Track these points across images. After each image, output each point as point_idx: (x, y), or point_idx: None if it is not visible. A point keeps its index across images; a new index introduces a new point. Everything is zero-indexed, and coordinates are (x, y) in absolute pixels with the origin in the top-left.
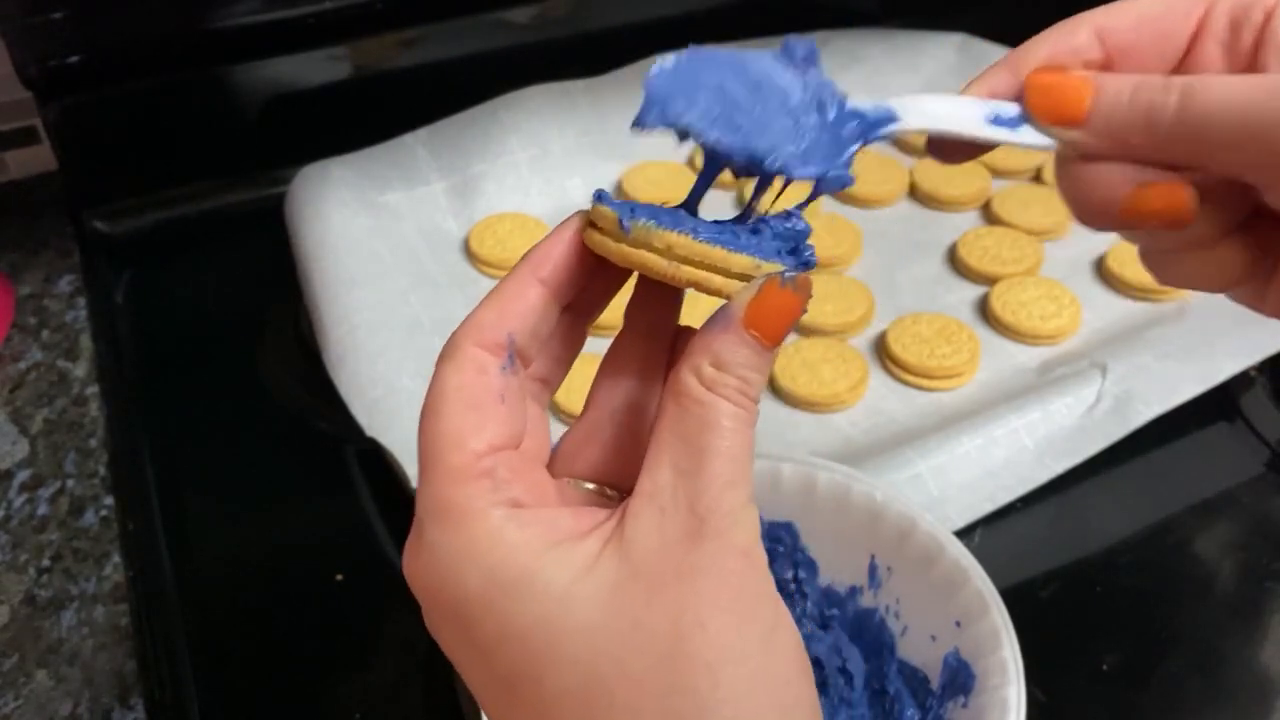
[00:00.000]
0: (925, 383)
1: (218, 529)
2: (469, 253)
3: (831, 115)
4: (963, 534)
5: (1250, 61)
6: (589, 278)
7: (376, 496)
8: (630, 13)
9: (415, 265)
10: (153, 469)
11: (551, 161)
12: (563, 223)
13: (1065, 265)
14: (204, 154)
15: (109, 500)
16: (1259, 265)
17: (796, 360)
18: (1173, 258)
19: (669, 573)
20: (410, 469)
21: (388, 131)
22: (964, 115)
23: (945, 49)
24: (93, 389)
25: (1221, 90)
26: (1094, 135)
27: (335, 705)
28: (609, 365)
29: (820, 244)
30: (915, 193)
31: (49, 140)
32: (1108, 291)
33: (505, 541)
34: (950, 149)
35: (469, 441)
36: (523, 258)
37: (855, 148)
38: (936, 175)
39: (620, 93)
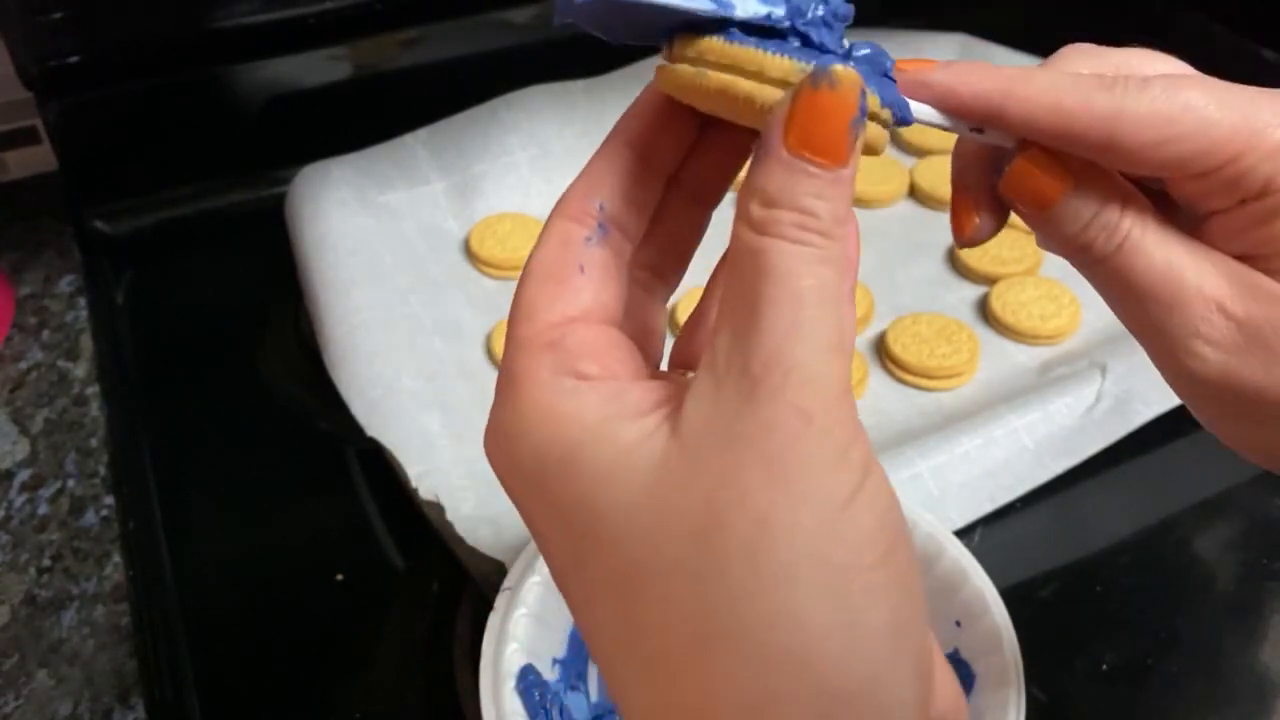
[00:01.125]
0: (925, 383)
1: (218, 529)
2: (469, 253)
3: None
4: (963, 534)
5: None
6: (689, 147)
7: (376, 496)
8: None
9: (415, 265)
10: (153, 469)
11: (551, 161)
12: (650, 83)
13: (1065, 265)
14: (204, 154)
15: (109, 500)
16: None
17: None
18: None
19: (714, 443)
20: (410, 468)
21: (388, 131)
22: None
23: (945, 49)
24: (93, 389)
25: (1159, 262)
26: (1038, 226)
27: (335, 705)
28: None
29: None
30: (915, 193)
31: (49, 140)
32: None
33: (558, 413)
34: (976, 227)
35: (540, 313)
36: (616, 123)
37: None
38: (936, 175)
39: (620, 93)
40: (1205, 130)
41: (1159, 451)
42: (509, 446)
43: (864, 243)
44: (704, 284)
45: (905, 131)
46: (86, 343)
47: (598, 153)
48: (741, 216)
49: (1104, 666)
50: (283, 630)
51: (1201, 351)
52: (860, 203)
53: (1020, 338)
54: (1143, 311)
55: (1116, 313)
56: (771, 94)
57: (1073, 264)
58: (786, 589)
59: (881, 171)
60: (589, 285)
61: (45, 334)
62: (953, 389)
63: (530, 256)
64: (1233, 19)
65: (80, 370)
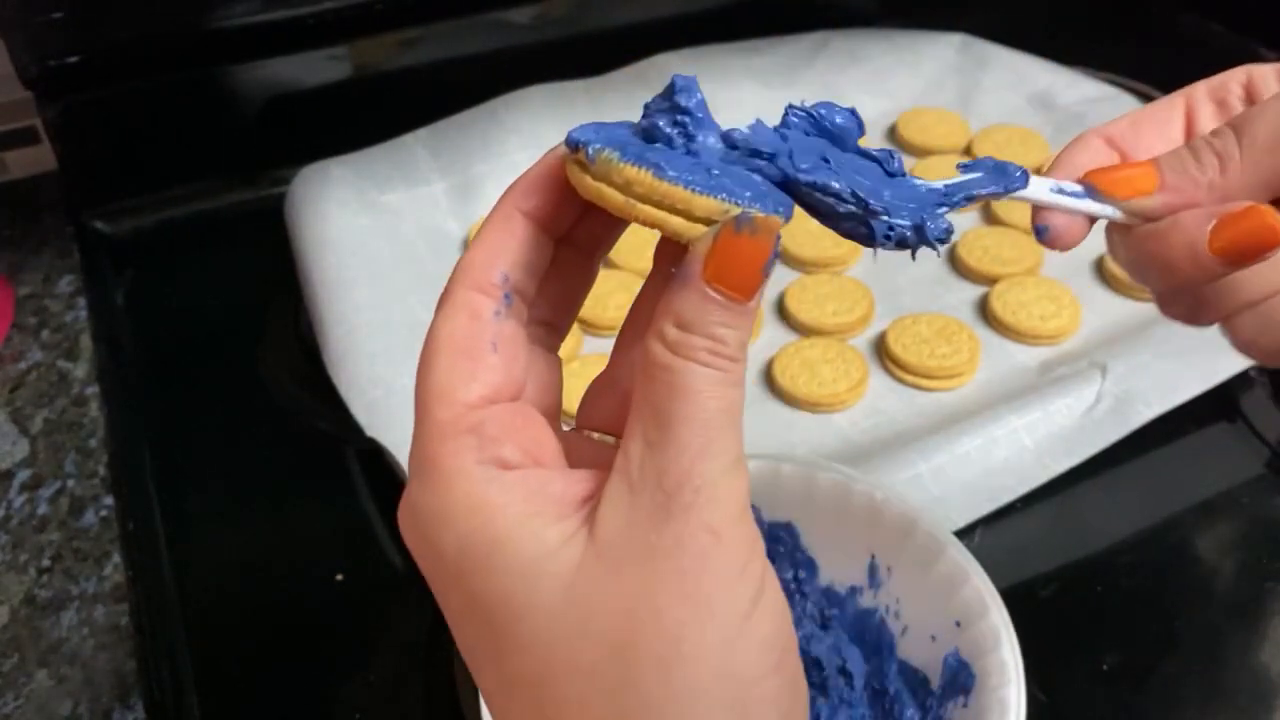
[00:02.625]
0: (925, 383)
1: (218, 529)
2: None
3: (910, 185)
4: (963, 534)
5: None
6: (582, 208)
7: (376, 496)
8: (630, 13)
9: (415, 265)
10: (153, 469)
11: None
12: (548, 151)
13: (1065, 265)
14: (204, 154)
15: (109, 500)
16: None
17: (796, 360)
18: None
19: (631, 555)
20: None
21: (388, 131)
22: (1032, 182)
23: (945, 49)
24: (93, 389)
25: (1268, 108)
26: (1167, 195)
27: (335, 705)
28: (634, 313)
29: (820, 244)
30: (1034, 223)
31: (49, 140)
32: (1108, 291)
33: (482, 505)
34: (1057, 232)
35: (457, 394)
36: (505, 190)
37: (944, 210)
38: (936, 175)
39: (620, 93)
40: None
41: (1159, 451)
42: (431, 533)
43: None
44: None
45: (905, 131)
46: (86, 343)
47: (493, 221)
48: (656, 334)
49: (1104, 666)
50: (283, 630)
51: None
52: None
53: (1020, 338)
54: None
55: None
56: (698, 230)
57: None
58: (692, 701)
59: None
60: (501, 363)
61: (45, 334)
62: (953, 389)
63: (435, 330)
64: (1232, 19)
65: (80, 370)
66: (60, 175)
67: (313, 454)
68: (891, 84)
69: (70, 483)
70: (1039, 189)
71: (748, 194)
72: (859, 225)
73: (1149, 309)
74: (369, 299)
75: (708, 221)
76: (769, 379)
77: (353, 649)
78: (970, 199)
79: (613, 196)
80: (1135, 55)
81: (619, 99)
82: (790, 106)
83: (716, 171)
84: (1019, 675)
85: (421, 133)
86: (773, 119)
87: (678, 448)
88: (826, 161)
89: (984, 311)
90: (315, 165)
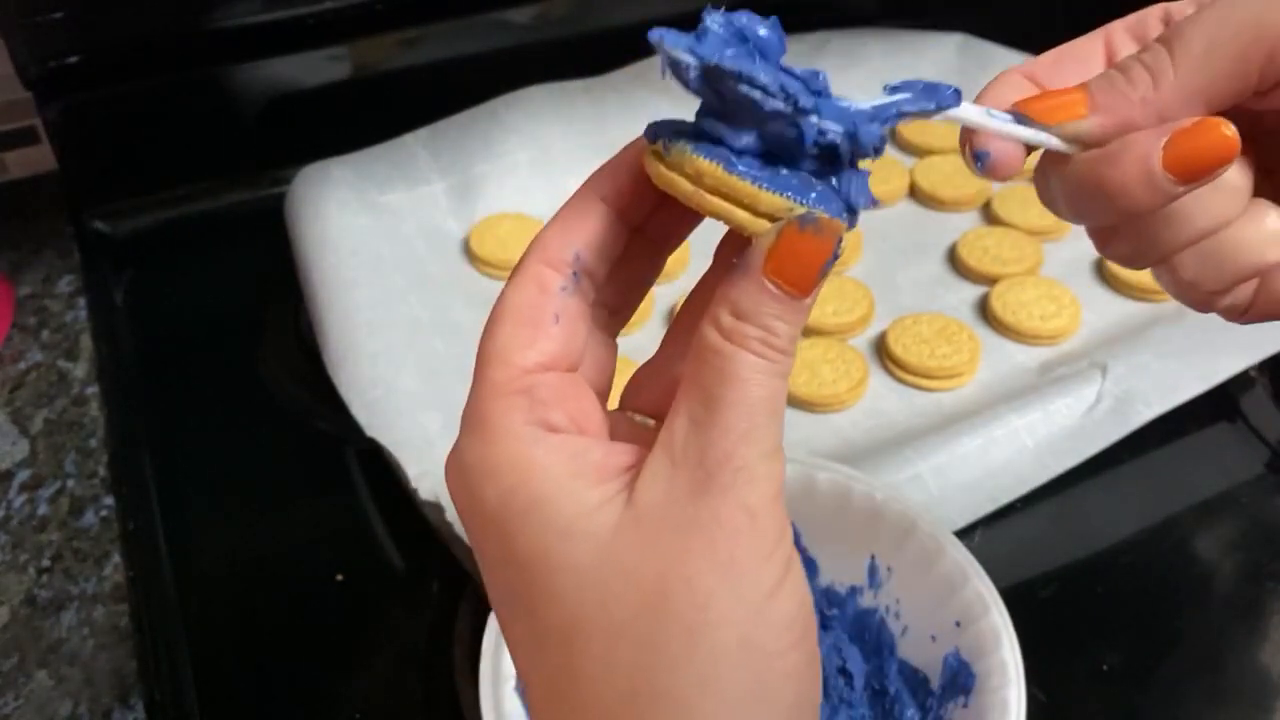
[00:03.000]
0: (925, 383)
1: (218, 529)
2: (469, 253)
3: (837, 104)
4: (963, 534)
5: None
6: (658, 200)
7: (376, 496)
8: (630, 13)
9: (415, 265)
10: (153, 469)
11: (552, 162)
12: (630, 142)
13: (1065, 265)
14: (204, 154)
15: (109, 500)
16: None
17: (797, 360)
18: (1218, 241)
19: (668, 525)
20: (410, 468)
21: (388, 131)
22: (964, 105)
23: (945, 49)
24: (93, 389)
25: (1197, 18)
26: (1102, 118)
27: (335, 705)
28: (690, 302)
29: None
30: (915, 193)
31: (49, 140)
32: (1108, 291)
33: (526, 462)
34: (996, 160)
35: (514, 357)
36: (589, 176)
37: (876, 125)
38: (936, 175)
39: (620, 93)
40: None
41: (1159, 451)
42: (475, 485)
43: (864, 243)
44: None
45: (905, 131)
46: (86, 343)
47: (573, 202)
48: (712, 320)
49: (1104, 666)
50: (283, 630)
51: None
52: None
53: (1020, 338)
54: (1233, 44)
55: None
56: (762, 225)
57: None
58: (715, 665)
59: (882, 172)
60: (561, 334)
61: (45, 334)
62: (953, 389)
63: (504, 297)
64: None
65: (80, 370)
66: (60, 175)
67: (313, 454)
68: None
69: (70, 483)
70: (973, 111)
71: (813, 195)
72: (787, 127)
73: (1149, 309)
74: (369, 299)
75: (771, 218)
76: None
77: (353, 649)
78: (902, 115)
79: (683, 185)
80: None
81: (619, 99)
82: (707, 11)
83: (785, 171)
84: (1019, 675)
85: (421, 133)
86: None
87: (722, 429)
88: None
89: (984, 311)
90: (315, 165)
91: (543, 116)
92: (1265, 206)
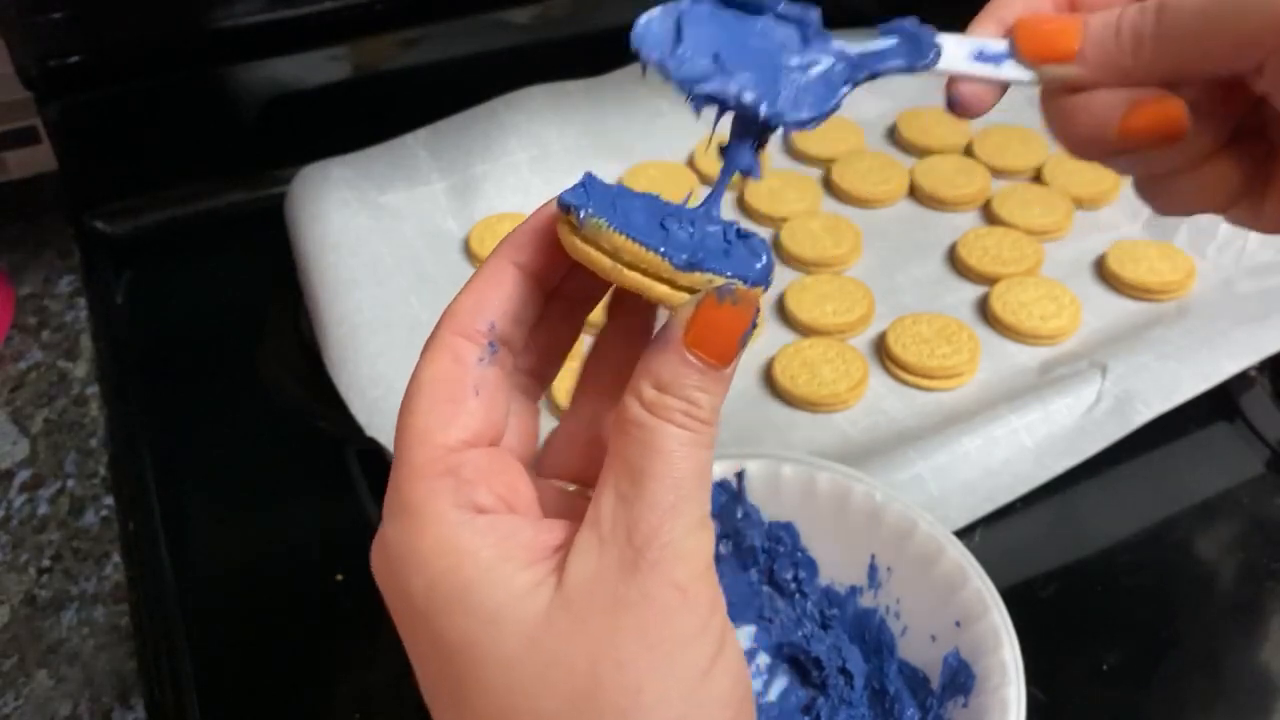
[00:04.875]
0: (925, 383)
1: (218, 529)
2: (469, 253)
3: (821, 59)
4: (963, 534)
5: None
6: (573, 263)
7: (376, 496)
8: (630, 13)
9: (415, 265)
10: (153, 469)
11: (551, 162)
12: (540, 206)
13: (1065, 265)
14: (204, 154)
15: (109, 500)
16: (1252, 181)
17: (796, 360)
18: (1168, 182)
19: (598, 606)
20: None
21: (388, 131)
22: (951, 53)
23: None
24: (93, 389)
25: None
26: (1086, 68)
27: (335, 705)
28: (591, 364)
29: (820, 244)
30: (915, 193)
31: (49, 140)
32: (1108, 291)
33: (453, 548)
34: (968, 100)
35: (435, 436)
36: (499, 243)
37: (846, 90)
38: (936, 175)
39: (620, 93)
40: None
41: (1159, 451)
42: (402, 575)
43: (864, 243)
44: None
45: (905, 131)
46: (86, 343)
47: (485, 269)
48: (634, 393)
49: (1104, 666)
50: (283, 630)
51: None
52: (861, 203)
53: (1020, 338)
54: (1224, 34)
55: (1209, 66)
56: (680, 298)
57: (1144, 84)
58: None
59: (881, 172)
60: (481, 408)
61: (45, 334)
62: (953, 389)
63: (419, 372)
64: None
65: (80, 370)
66: (60, 175)
67: (313, 454)
68: (892, 84)
69: (70, 483)
70: (954, 57)
71: (729, 271)
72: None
73: (1149, 309)
74: (369, 299)
75: (690, 289)
76: (769, 379)
77: (353, 649)
78: (875, 76)
79: (601, 261)
80: None
81: (619, 99)
82: None
83: (698, 237)
84: (1019, 675)
85: (421, 133)
86: None
87: (648, 503)
88: (719, 58)
89: (984, 311)
90: (315, 165)
91: (542, 116)
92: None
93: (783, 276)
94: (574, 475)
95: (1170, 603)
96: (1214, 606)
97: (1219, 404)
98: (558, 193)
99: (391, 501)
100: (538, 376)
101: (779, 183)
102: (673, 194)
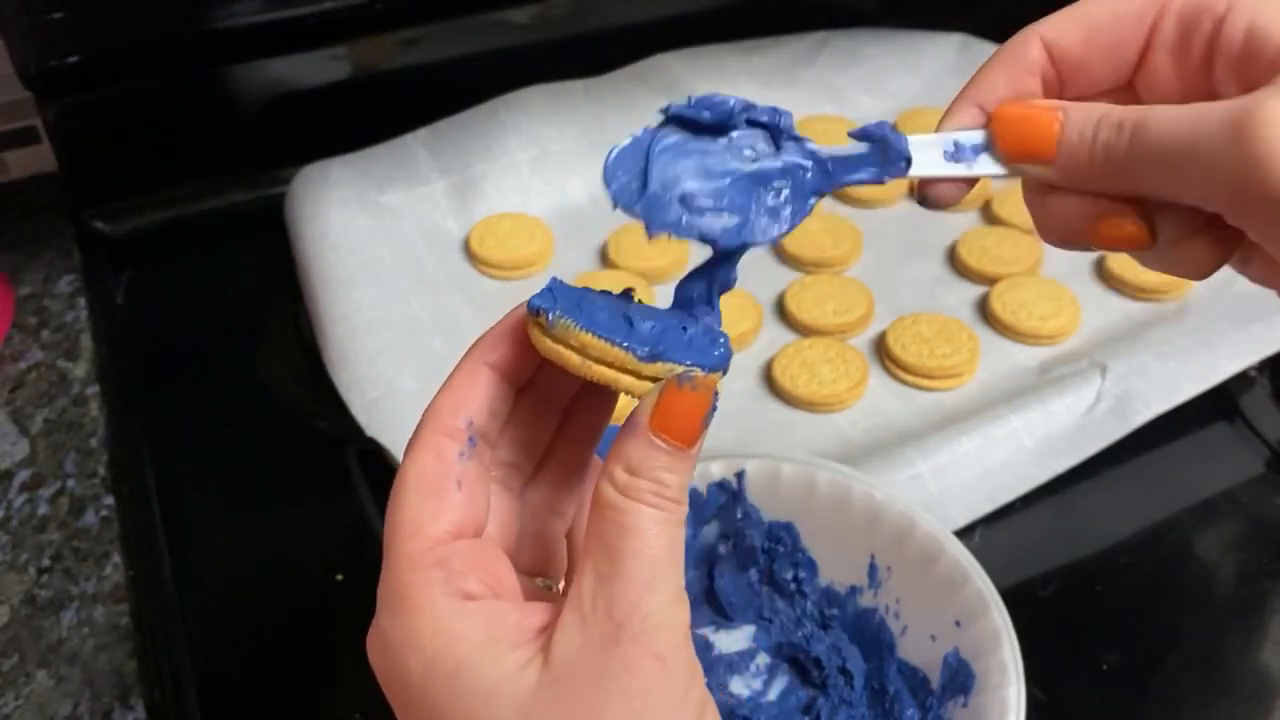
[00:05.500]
0: (925, 383)
1: (218, 529)
2: (469, 253)
3: (792, 165)
4: (963, 534)
5: (1202, 73)
6: (541, 361)
7: (376, 496)
8: (630, 13)
9: (415, 265)
10: (153, 469)
11: (551, 162)
12: (510, 311)
13: (1065, 265)
14: (204, 154)
15: (109, 500)
16: (1231, 252)
17: (796, 360)
18: (1150, 256)
19: (583, 679)
20: None
21: (388, 131)
22: (922, 158)
23: (945, 49)
24: (93, 389)
25: (1163, 126)
26: (1059, 173)
27: (335, 705)
28: (544, 462)
29: (820, 244)
30: (915, 193)
31: (49, 140)
32: (1108, 291)
33: (447, 633)
34: (936, 197)
35: (425, 529)
36: (472, 345)
37: (813, 201)
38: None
39: (620, 93)
40: (1116, 6)
41: (1159, 451)
42: (398, 658)
43: (864, 243)
44: None
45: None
46: (86, 343)
47: (460, 370)
48: (607, 477)
49: (1104, 666)
50: (283, 630)
51: (1262, 137)
52: (860, 203)
53: (1020, 338)
54: (1188, 165)
55: (1172, 193)
56: (645, 388)
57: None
58: None
59: None
60: (464, 500)
61: (45, 334)
62: (953, 389)
63: (404, 470)
64: None
65: (80, 370)
66: (60, 175)
67: (313, 454)
68: (891, 84)
69: (70, 483)
70: (924, 162)
71: (688, 360)
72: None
73: (1149, 309)
74: (369, 299)
75: (654, 379)
76: (769, 379)
77: (353, 649)
78: (842, 186)
79: (571, 358)
80: None
81: (619, 99)
82: (664, 112)
83: (658, 330)
84: (1019, 675)
85: (421, 133)
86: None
87: (625, 580)
88: (687, 199)
89: (984, 311)
90: (315, 165)
91: (542, 116)
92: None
93: (783, 276)
94: (529, 569)
95: (1170, 603)
96: (1214, 606)
97: (1219, 404)
98: (526, 298)
99: (386, 593)
100: (516, 469)
101: None
102: None
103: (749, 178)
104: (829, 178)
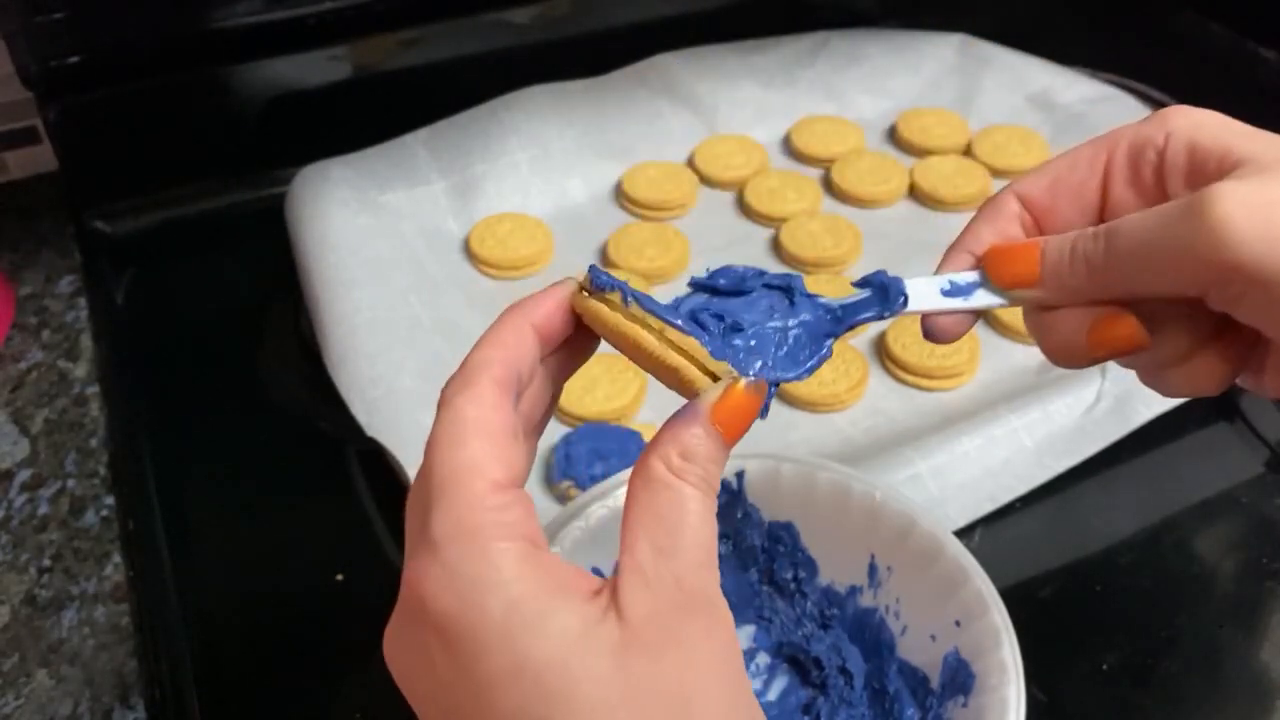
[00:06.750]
0: (925, 383)
1: (218, 529)
2: (469, 253)
3: (806, 316)
4: (963, 534)
5: (1156, 192)
6: (567, 339)
7: (376, 496)
8: (630, 13)
9: (415, 265)
10: (153, 469)
11: (551, 162)
12: (557, 282)
13: None
14: (204, 154)
15: (109, 500)
16: (1244, 364)
17: None
18: (1164, 375)
19: (668, 640)
20: (411, 468)
21: (388, 132)
22: (920, 294)
23: (945, 49)
24: (93, 389)
25: (1131, 227)
26: (1047, 291)
27: (335, 705)
28: None
29: (820, 244)
30: (915, 193)
31: (49, 140)
32: None
33: (525, 575)
34: (940, 331)
35: (489, 471)
36: (515, 305)
37: (830, 342)
38: (936, 175)
39: (620, 93)
40: (1071, 162)
41: (1159, 451)
42: (474, 597)
43: (864, 243)
44: None
45: (905, 132)
46: (86, 343)
47: (507, 326)
48: (660, 457)
49: (1104, 666)
50: (283, 630)
51: (1227, 227)
52: (861, 203)
53: (1020, 338)
54: (1161, 258)
55: (1152, 287)
56: (706, 382)
57: (1097, 301)
58: None
59: (881, 172)
60: (519, 451)
61: (45, 334)
62: (953, 389)
63: (464, 411)
64: (1232, 19)
65: (80, 370)
66: (60, 175)
67: (313, 454)
68: (891, 84)
69: (70, 482)
70: (923, 297)
71: (757, 363)
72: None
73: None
74: (369, 299)
75: (714, 376)
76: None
77: (353, 649)
78: (854, 327)
79: (648, 338)
80: (1135, 55)
81: (619, 99)
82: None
83: (727, 336)
84: (1019, 675)
85: (421, 133)
86: (774, 119)
87: (686, 555)
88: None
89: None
90: (315, 165)
91: (543, 116)
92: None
93: None
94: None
95: (1170, 603)
96: (1214, 606)
97: (1219, 404)
98: (587, 268)
99: (451, 529)
100: (526, 434)
101: (779, 183)
102: (674, 193)
103: (771, 324)
104: (840, 323)
